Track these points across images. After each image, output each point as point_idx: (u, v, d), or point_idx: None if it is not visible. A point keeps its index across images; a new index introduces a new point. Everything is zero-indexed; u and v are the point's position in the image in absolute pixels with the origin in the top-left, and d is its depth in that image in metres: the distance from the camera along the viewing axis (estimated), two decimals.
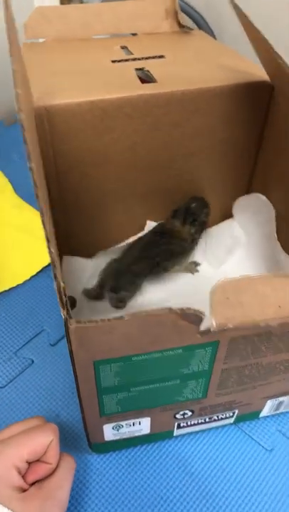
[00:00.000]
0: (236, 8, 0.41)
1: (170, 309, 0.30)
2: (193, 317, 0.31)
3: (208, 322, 0.31)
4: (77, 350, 0.32)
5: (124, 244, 0.59)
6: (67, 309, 0.30)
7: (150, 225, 0.59)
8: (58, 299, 0.30)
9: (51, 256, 0.28)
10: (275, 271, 0.54)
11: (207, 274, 0.59)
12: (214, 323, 0.30)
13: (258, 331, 0.35)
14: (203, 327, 0.32)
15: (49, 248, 0.28)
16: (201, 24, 0.78)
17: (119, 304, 0.56)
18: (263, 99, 0.50)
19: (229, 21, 0.62)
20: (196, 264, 0.60)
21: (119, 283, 0.54)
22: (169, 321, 0.31)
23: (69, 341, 0.32)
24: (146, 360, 0.35)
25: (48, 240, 0.28)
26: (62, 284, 0.29)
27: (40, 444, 0.38)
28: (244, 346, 0.36)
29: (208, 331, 0.32)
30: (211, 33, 0.80)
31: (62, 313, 0.30)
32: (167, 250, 0.56)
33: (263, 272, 0.57)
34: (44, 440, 0.38)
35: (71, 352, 0.33)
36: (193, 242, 0.59)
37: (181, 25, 0.63)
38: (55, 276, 0.29)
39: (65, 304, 0.30)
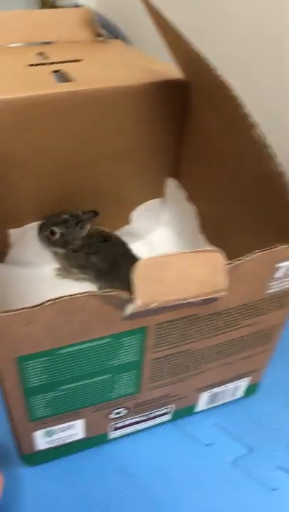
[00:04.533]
0: (145, 1, 0.42)
1: (91, 293, 0.30)
2: (116, 300, 0.31)
3: (133, 305, 0.31)
4: None
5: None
6: None
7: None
8: None
9: None
10: None
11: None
12: (138, 302, 0.29)
13: (184, 314, 0.35)
14: (127, 311, 0.32)
15: None
16: (119, 36, 0.80)
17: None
18: (179, 96, 0.51)
19: (148, 33, 0.64)
20: None
21: None
22: (92, 305, 0.31)
23: None
24: (73, 352, 0.34)
25: None
26: None
27: None
28: (172, 331, 0.36)
29: (133, 315, 0.32)
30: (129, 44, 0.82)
31: None
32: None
33: None
34: None
35: None
36: None
37: (97, 34, 0.64)
38: None
39: None
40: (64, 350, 0.33)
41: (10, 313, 0.29)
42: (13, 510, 0.42)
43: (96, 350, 0.34)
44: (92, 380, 0.37)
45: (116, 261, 0.55)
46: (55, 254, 0.58)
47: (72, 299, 0.30)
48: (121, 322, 0.33)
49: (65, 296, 0.29)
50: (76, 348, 0.33)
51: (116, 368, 0.37)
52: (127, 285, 0.54)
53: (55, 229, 0.55)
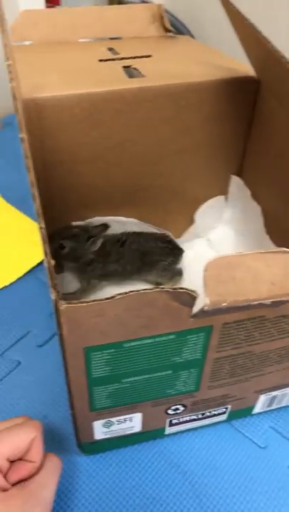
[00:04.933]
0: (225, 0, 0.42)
1: (162, 288, 0.30)
2: (185, 297, 0.31)
3: (201, 303, 0.31)
4: (67, 334, 0.31)
5: None
6: (57, 290, 0.30)
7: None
8: (48, 278, 0.29)
9: (42, 232, 0.27)
10: None
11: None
12: (207, 301, 0.29)
13: (251, 315, 0.34)
14: (195, 309, 0.32)
15: (39, 224, 0.27)
16: (185, 34, 0.80)
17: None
18: (250, 94, 0.50)
19: (213, 31, 0.63)
20: None
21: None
22: (161, 301, 0.31)
23: (59, 325, 0.31)
24: (138, 347, 0.34)
25: (38, 215, 0.27)
26: (52, 262, 0.28)
27: (22, 440, 0.37)
28: (237, 332, 0.35)
29: (201, 313, 0.31)
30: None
31: (52, 294, 0.29)
32: None
33: None
34: (26, 437, 0.37)
35: (61, 337, 0.32)
36: None
37: (167, 30, 0.64)
38: (46, 254, 0.28)
39: (55, 284, 0.29)
40: (130, 344, 0.34)
41: (82, 305, 0.29)
42: (69, 495, 0.43)
43: (160, 346, 0.35)
44: (154, 375, 0.37)
45: (146, 251, 0.55)
46: (67, 267, 0.56)
47: (141, 293, 0.30)
48: (188, 319, 0.33)
49: (135, 291, 0.30)
50: (141, 342, 0.34)
51: (178, 364, 0.37)
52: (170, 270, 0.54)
53: (64, 243, 0.53)
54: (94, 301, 0.30)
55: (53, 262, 0.28)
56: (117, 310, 0.31)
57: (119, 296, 0.30)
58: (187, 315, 0.32)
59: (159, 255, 0.56)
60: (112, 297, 0.30)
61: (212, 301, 0.30)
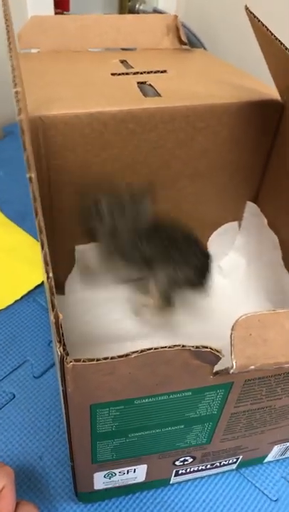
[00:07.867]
0: (250, 15, 0.38)
1: (183, 346, 0.26)
2: (209, 356, 0.27)
3: (224, 362, 0.27)
4: (73, 392, 0.28)
5: None
6: (64, 345, 0.26)
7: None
8: (54, 333, 0.26)
9: (49, 283, 0.24)
10: (279, 298, 0.51)
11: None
12: (235, 364, 0.26)
13: (277, 372, 0.31)
14: (218, 367, 0.28)
15: (47, 273, 0.24)
16: (198, 45, 0.76)
17: None
18: (273, 118, 0.47)
19: (228, 44, 0.59)
20: None
21: None
22: (180, 359, 0.27)
23: (64, 382, 0.27)
24: (151, 403, 0.31)
25: (46, 264, 0.24)
26: (60, 316, 0.25)
27: None
28: (259, 388, 0.32)
29: (224, 372, 0.28)
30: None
31: (58, 349, 0.26)
32: None
33: (265, 300, 0.54)
34: None
35: (65, 394, 0.28)
36: None
37: (182, 42, 0.60)
38: (53, 306, 0.25)
39: (62, 339, 0.26)
40: (141, 401, 0.30)
41: (92, 363, 0.26)
42: None
43: (175, 402, 0.31)
44: (164, 429, 0.34)
45: (173, 245, 0.47)
46: (91, 235, 0.47)
47: (159, 352, 0.26)
48: (208, 377, 0.29)
49: (152, 348, 0.26)
50: (154, 399, 0.30)
51: (191, 419, 0.34)
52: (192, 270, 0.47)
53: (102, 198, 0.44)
54: (105, 358, 0.26)
55: (60, 316, 0.25)
56: (131, 368, 0.27)
57: (134, 355, 0.26)
58: (208, 373, 0.29)
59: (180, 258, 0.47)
60: (126, 355, 0.26)
61: (240, 364, 0.26)
